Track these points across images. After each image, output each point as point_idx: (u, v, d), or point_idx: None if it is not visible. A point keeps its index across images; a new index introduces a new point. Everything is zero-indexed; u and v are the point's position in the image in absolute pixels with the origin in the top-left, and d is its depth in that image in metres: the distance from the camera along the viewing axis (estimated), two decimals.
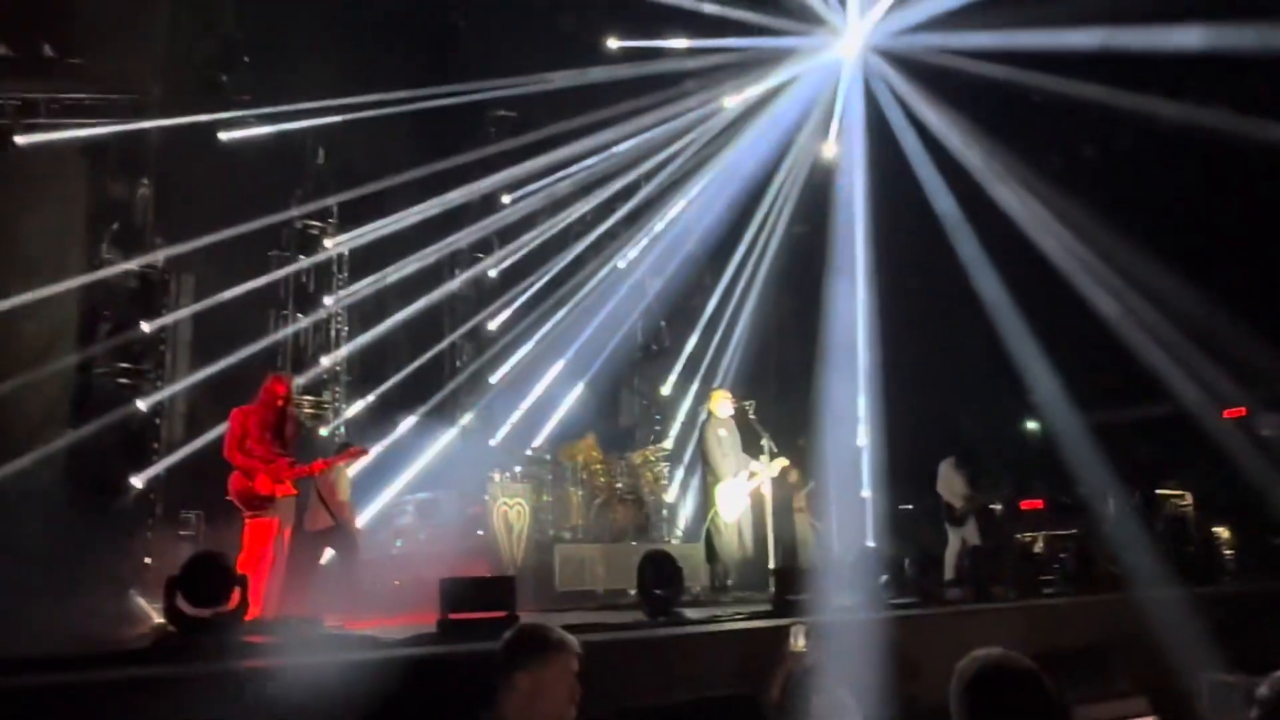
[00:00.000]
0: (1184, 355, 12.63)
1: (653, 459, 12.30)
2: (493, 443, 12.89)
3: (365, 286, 12.83)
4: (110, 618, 8.05)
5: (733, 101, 13.30)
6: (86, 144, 11.00)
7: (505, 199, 13.74)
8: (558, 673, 3.18)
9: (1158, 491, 13.34)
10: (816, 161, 13.97)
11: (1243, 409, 14.34)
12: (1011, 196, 12.92)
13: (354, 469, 9.45)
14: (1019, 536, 11.82)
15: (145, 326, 11.00)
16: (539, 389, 13.77)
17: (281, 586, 6.97)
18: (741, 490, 9.10)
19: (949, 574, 9.26)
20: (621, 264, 14.65)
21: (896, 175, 13.19)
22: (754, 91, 13.31)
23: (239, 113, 11.51)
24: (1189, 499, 13.28)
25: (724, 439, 9.22)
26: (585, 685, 3.27)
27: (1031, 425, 14.94)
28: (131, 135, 11.10)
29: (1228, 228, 13.32)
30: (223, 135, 11.31)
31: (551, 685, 3.15)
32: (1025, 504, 12.47)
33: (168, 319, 11.25)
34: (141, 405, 10.83)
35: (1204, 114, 11.02)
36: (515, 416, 13.03)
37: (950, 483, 10.50)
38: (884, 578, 7.29)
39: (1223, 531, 12.78)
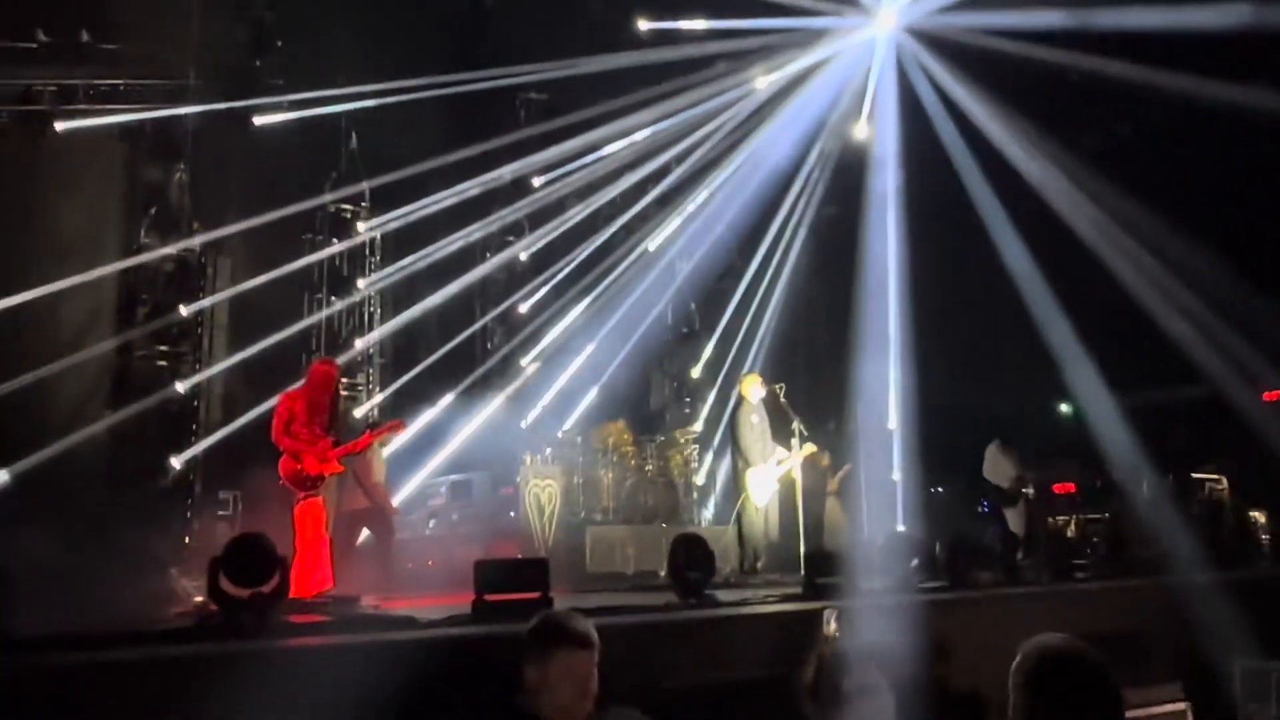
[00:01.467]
0: (1222, 337, 12.47)
1: (682, 442, 12.33)
2: (524, 425, 12.98)
3: (397, 270, 12.91)
4: (151, 597, 8.23)
5: (764, 83, 13.22)
6: (123, 129, 11.19)
7: (536, 182, 13.76)
8: (563, 669, 3.07)
9: (1193, 475, 13.21)
10: (848, 143, 13.86)
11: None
12: (1046, 176, 12.78)
13: (388, 450, 9.57)
14: (1051, 520, 11.74)
15: (183, 310, 11.17)
16: (570, 372, 13.82)
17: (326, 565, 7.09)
18: (771, 475, 9.12)
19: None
20: (652, 247, 14.66)
21: (930, 156, 13.08)
22: (786, 73, 13.21)
23: (273, 98, 11.60)
24: (1225, 483, 13.14)
25: (755, 424, 9.22)
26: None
27: (1065, 408, 14.80)
28: (167, 120, 11.29)
29: (1268, 207, 13.06)
30: (257, 120, 11.40)
31: (555, 680, 3.05)
32: (1058, 487, 12.37)
33: (205, 302, 11.42)
34: (180, 387, 11.00)
35: (1242, 92, 10.83)
36: (546, 399, 13.08)
37: (998, 465, 10.45)
38: (915, 561, 7.29)
39: (1259, 515, 12.63)
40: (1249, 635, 6.37)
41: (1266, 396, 14.18)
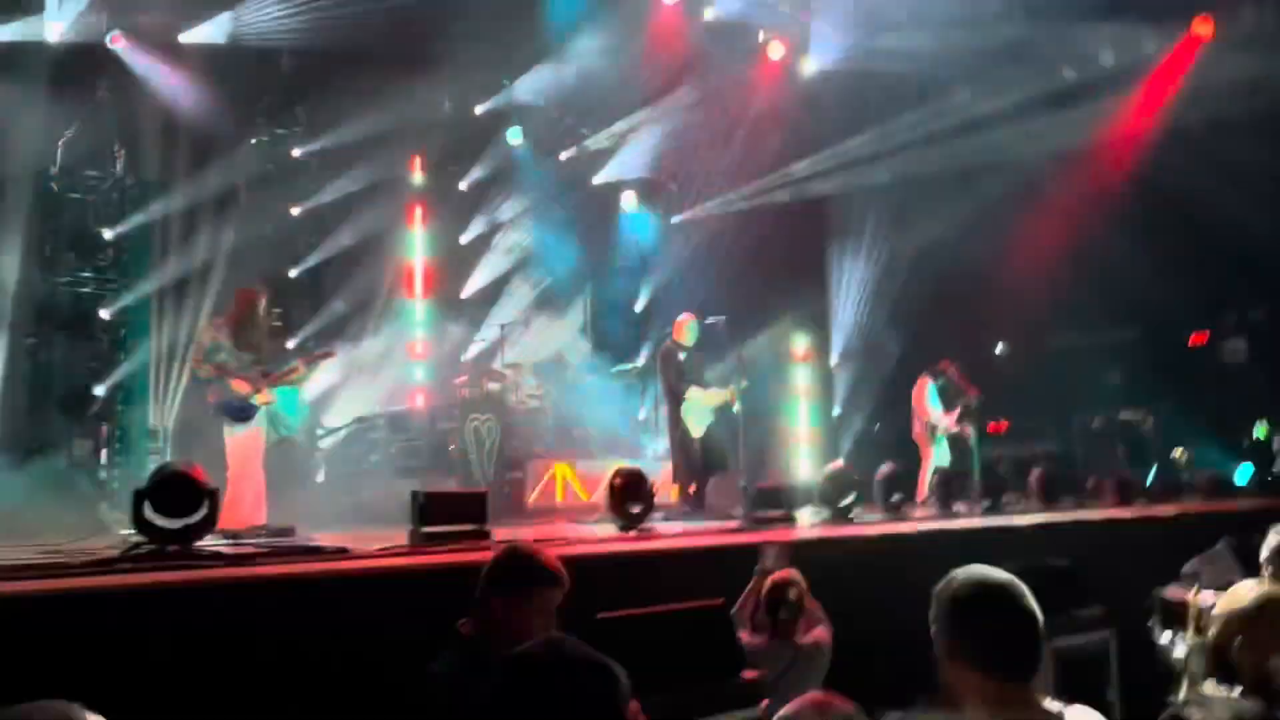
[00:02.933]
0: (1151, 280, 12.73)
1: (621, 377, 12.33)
2: (464, 359, 12.84)
3: (329, 195, 12.56)
4: (78, 529, 8.03)
5: None
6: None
7: (477, 110, 13.43)
8: (537, 606, 3.10)
9: (1120, 416, 13.57)
10: None
11: (1206, 334, 14.53)
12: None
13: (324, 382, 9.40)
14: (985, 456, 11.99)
15: (106, 233, 10.77)
16: (512, 305, 13.68)
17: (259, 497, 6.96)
18: (706, 408, 9.07)
19: (924, 493, 9.38)
20: (596, 181, 14.50)
21: None
22: None
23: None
24: (1150, 422, 13.51)
25: (682, 361, 9.15)
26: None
27: (999, 348, 15.03)
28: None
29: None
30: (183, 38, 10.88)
31: (527, 617, 3.05)
32: (991, 426, 12.61)
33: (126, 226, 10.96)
34: (104, 314, 10.66)
35: None
36: (486, 332, 12.92)
37: (924, 400, 10.57)
38: (853, 495, 7.38)
39: (1180, 454, 13.04)
40: (1172, 568, 6.60)
41: (1192, 340, 14.57)
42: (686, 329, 9.19)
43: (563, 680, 1.66)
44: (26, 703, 1.31)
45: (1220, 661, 2.83)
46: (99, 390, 10.39)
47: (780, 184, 14.28)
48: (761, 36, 13.85)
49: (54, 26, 9.77)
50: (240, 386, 6.86)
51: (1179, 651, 5.86)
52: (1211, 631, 2.92)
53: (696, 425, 8.94)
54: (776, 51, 13.84)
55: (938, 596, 2.48)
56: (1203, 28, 12.75)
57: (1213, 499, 10.18)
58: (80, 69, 10.15)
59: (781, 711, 1.95)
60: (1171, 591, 6.38)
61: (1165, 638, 5.91)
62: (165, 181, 11.07)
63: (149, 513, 4.57)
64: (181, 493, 4.64)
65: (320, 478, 10.86)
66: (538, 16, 11.86)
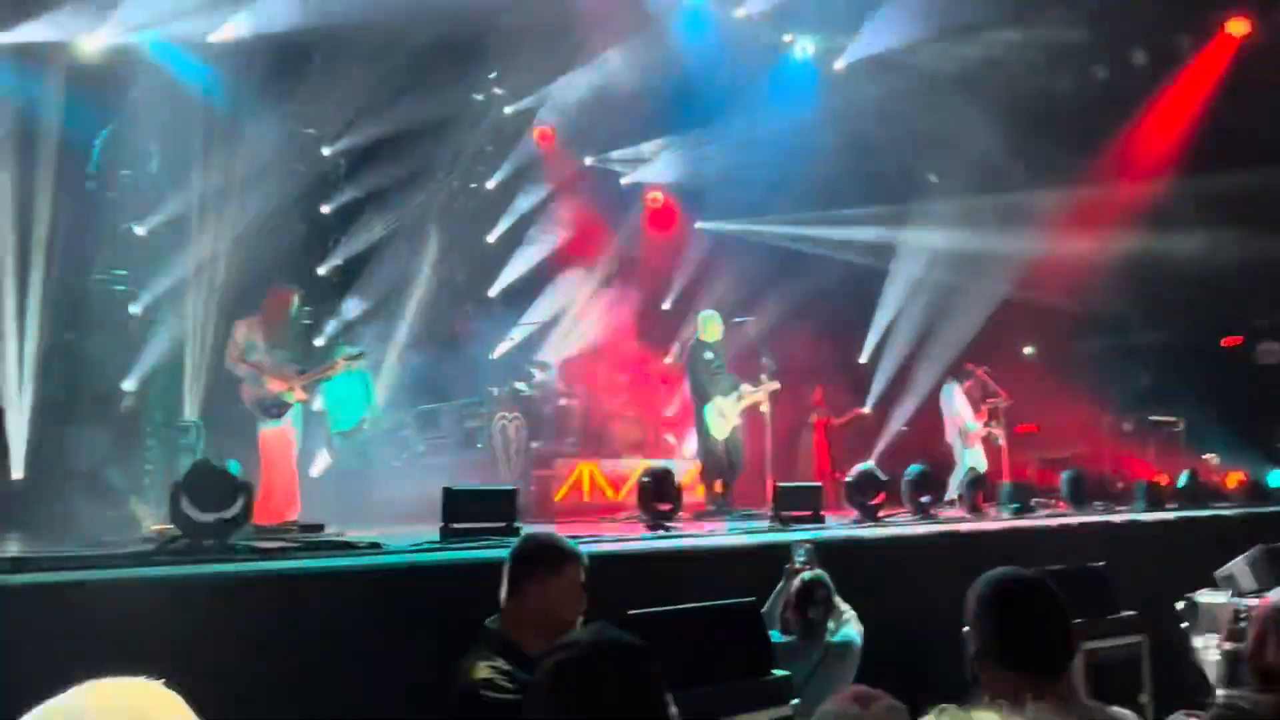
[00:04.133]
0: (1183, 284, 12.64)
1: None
2: (493, 356, 12.90)
3: (358, 194, 12.63)
4: (111, 524, 8.16)
5: None
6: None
7: (507, 110, 13.47)
8: (567, 582, 3.22)
9: (1151, 418, 13.45)
10: None
11: (1240, 337, 14.40)
12: None
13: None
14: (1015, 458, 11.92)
15: (139, 230, 10.88)
16: (541, 303, 13.72)
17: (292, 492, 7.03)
18: (732, 409, 9.08)
19: (951, 493, 9.34)
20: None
21: None
22: None
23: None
24: (1181, 425, 13.39)
25: (709, 361, 9.17)
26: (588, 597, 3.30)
27: (1028, 349, 14.95)
28: None
29: None
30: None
31: (561, 594, 3.19)
32: (1020, 428, 12.55)
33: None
34: (134, 309, 10.77)
35: None
36: (515, 331, 12.97)
37: (954, 403, 10.52)
38: (882, 496, 7.36)
39: (1212, 459, 12.92)
40: (1203, 571, 6.53)
41: (1224, 342, 14.42)
42: (710, 325, 9.21)
43: (609, 666, 1.69)
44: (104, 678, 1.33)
45: (1258, 666, 2.82)
46: (128, 385, 10.49)
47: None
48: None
49: (89, 28, 9.87)
50: (275, 385, 6.95)
51: (1213, 655, 5.82)
52: (1249, 636, 2.91)
53: (722, 425, 8.95)
54: None
55: (971, 597, 2.57)
56: (1238, 27, 12.63)
57: (1245, 503, 10.07)
58: (115, 69, 10.27)
59: (824, 705, 1.96)
60: (1204, 596, 6.34)
61: (1199, 642, 5.86)
62: (194, 177, 11.13)
63: (185, 507, 4.62)
64: (217, 488, 4.69)
65: (347, 472, 10.92)
66: (573, 24, 11.87)
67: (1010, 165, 12.94)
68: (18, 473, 8.80)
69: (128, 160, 10.92)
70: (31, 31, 9.16)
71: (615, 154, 14.35)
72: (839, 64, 13.10)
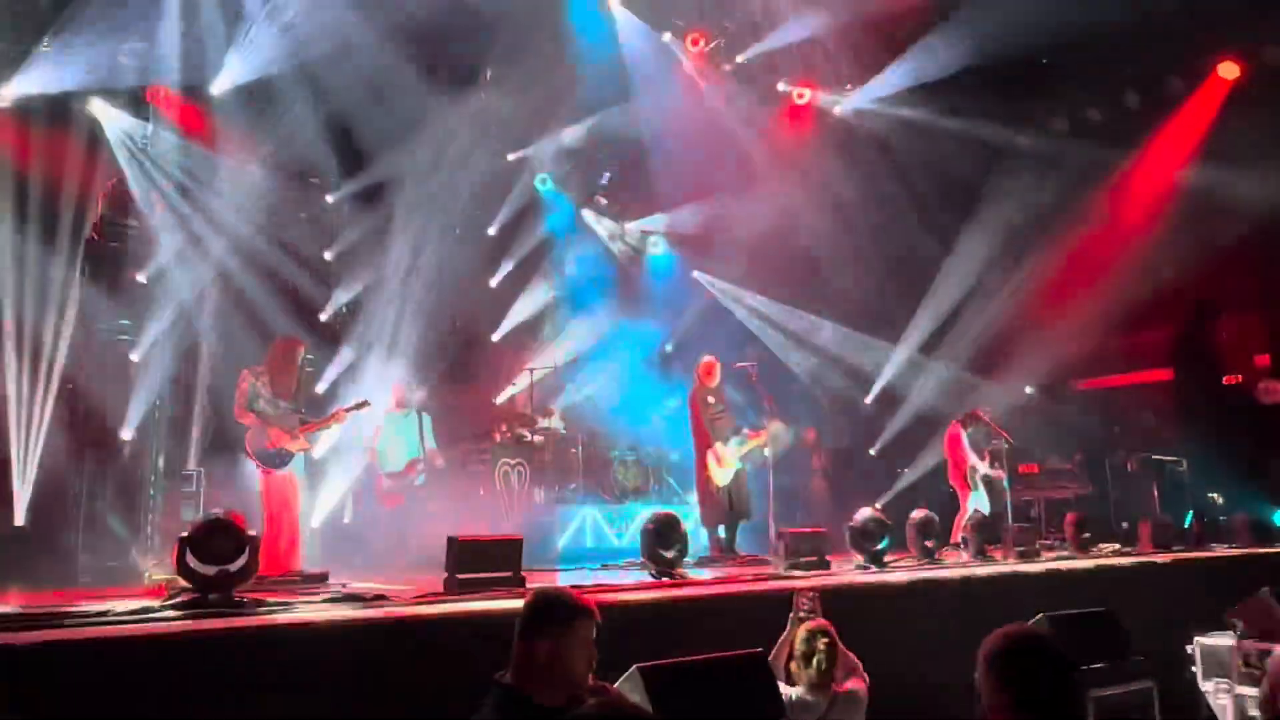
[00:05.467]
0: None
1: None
2: (497, 401, 12.90)
3: (359, 239, 12.68)
4: (114, 574, 8.13)
5: None
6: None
7: (510, 157, 13.58)
8: (579, 639, 3.20)
9: (1154, 457, 13.42)
10: None
11: (1240, 376, 14.40)
12: None
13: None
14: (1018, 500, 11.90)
15: (139, 277, 10.92)
16: (543, 351, 13.73)
17: (294, 541, 7.01)
18: (732, 454, 9.07)
19: (955, 537, 9.29)
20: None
21: None
22: None
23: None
24: (1185, 465, 13.36)
25: (710, 405, 9.18)
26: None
27: (1029, 389, 14.95)
28: None
29: None
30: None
31: (573, 650, 3.17)
32: (1022, 468, 12.52)
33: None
34: (134, 357, 10.77)
35: None
36: (518, 377, 12.98)
37: (960, 447, 10.51)
38: (887, 540, 7.34)
39: (1216, 498, 12.89)
40: (1208, 612, 6.51)
41: (1226, 380, 14.43)
42: (711, 371, 9.24)
43: None
44: None
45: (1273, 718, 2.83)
46: (125, 434, 10.47)
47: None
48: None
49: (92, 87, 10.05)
50: (279, 438, 6.95)
51: (1222, 700, 5.78)
52: (1263, 687, 2.92)
53: (722, 472, 8.94)
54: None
55: (980, 655, 2.66)
56: (1229, 71, 12.79)
57: (1250, 543, 10.03)
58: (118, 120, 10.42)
59: None
60: (1211, 639, 6.31)
61: (1209, 686, 5.83)
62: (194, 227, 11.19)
63: (190, 559, 4.62)
64: (223, 539, 4.69)
65: (347, 519, 10.87)
66: (577, 73, 12.04)
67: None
68: (20, 520, 8.78)
69: (131, 211, 11.01)
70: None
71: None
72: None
